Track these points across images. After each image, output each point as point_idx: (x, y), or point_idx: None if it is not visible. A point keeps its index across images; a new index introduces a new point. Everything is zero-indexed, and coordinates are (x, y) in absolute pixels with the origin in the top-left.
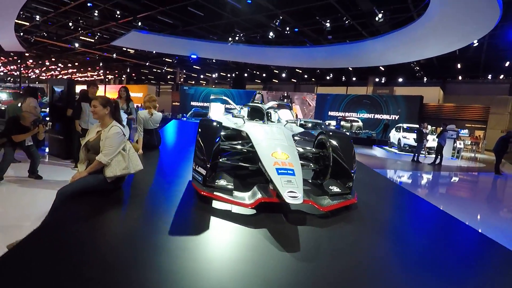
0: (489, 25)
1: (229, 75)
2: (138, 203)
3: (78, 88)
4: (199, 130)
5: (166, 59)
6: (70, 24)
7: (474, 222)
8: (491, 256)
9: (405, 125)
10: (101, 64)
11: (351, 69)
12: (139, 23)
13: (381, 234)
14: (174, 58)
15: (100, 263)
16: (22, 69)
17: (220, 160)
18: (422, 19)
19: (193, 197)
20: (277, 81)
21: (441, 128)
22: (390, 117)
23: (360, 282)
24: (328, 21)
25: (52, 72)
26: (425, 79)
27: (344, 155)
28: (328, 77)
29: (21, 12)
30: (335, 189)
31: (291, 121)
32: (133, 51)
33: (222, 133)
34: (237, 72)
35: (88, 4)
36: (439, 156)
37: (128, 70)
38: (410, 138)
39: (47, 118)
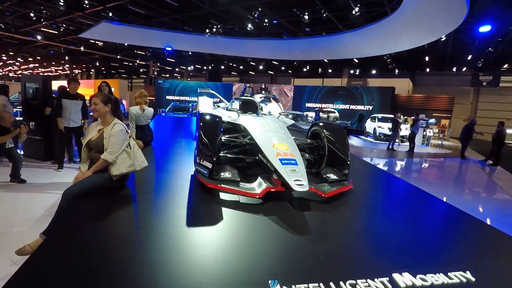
0: (458, 20)
1: (205, 67)
2: (147, 200)
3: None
4: (201, 124)
5: (138, 52)
6: (32, 14)
7: (445, 198)
8: (458, 222)
9: (379, 115)
10: (66, 58)
11: (326, 61)
12: (110, 14)
13: (375, 214)
14: (148, 51)
15: (122, 263)
16: None
17: (221, 153)
18: (397, 13)
19: (200, 190)
20: (253, 73)
21: (413, 117)
22: (364, 107)
23: (368, 257)
24: (306, 13)
25: (10, 67)
26: (396, 71)
27: (339, 145)
28: (305, 69)
29: None
30: (333, 176)
31: (283, 113)
32: (102, 43)
33: None
34: (213, 65)
35: None
36: (409, 143)
37: (97, 64)
38: (385, 128)
39: (20, 118)
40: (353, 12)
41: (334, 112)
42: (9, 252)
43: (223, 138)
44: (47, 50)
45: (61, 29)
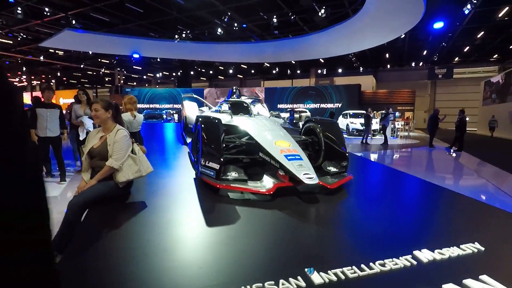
0: (416, 19)
1: (174, 74)
2: (157, 205)
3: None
4: (203, 127)
5: (103, 60)
6: None
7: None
8: (456, 202)
9: (351, 112)
10: (24, 69)
11: (294, 62)
12: (73, 21)
13: (381, 202)
14: (114, 59)
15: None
16: None
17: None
18: (360, 14)
19: (207, 191)
20: (223, 77)
21: (384, 111)
22: (334, 105)
23: (388, 239)
24: (274, 16)
25: None
26: (361, 69)
27: (335, 138)
28: (274, 71)
29: None
30: (333, 169)
31: (275, 113)
32: (63, 52)
33: None
34: (181, 71)
35: (10, 0)
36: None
37: (58, 74)
38: (357, 123)
39: None
40: (319, 14)
41: (306, 112)
42: None
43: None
44: (2, 61)
45: (18, 38)
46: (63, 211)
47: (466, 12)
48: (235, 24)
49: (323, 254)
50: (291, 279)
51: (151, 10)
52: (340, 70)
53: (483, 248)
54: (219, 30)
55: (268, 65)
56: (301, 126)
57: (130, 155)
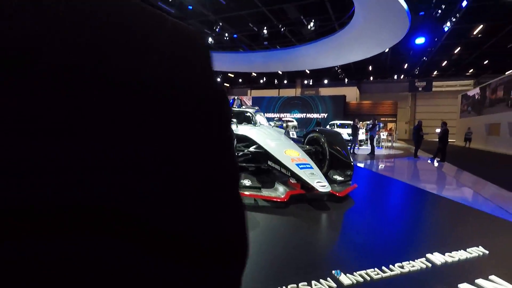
0: (400, 34)
1: None
2: None
3: None
4: None
5: None
6: None
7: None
8: (455, 210)
9: (338, 122)
10: None
11: (280, 73)
12: None
13: (388, 210)
14: None
15: None
16: None
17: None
18: (348, 28)
19: None
20: None
21: (372, 122)
22: (319, 115)
23: (403, 244)
24: (264, 28)
25: None
26: (346, 80)
27: (340, 148)
28: (261, 81)
29: None
30: (339, 178)
31: (277, 123)
32: None
33: None
34: None
35: None
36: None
37: None
38: (345, 133)
39: None
40: (308, 27)
41: (293, 121)
42: None
43: None
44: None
45: None
46: None
47: (446, 29)
48: (226, 34)
49: (346, 257)
50: (322, 280)
51: None
52: (326, 81)
53: (487, 251)
54: (210, 39)
55: (255, 74)
56: (291, 135)
57: None
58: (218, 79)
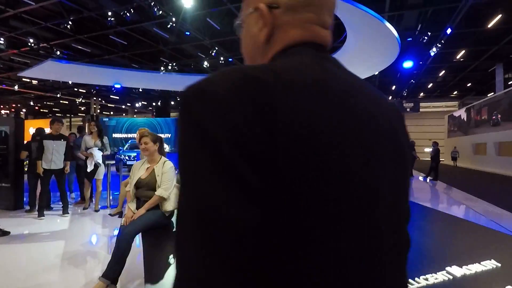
0: (391, 59)
1: (154, 103)
2: None
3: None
4: None
5: (80, 90)
6: None
7: None
8: (462, 226)
9: None
10: None
11: None
12: (58, 52)
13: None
14: (94, 88)
15: None
16: None
17: None
18: (341, 51)
19: None
20: None
21: None
22: None
23: (423, 258)
24: None
25: None
26: None
27: None
28: None
29: None
30: None
31: None
32: (37, 81)
33: None
34: (161, 101)
35: None
36: None
37: (31, 103)
38: None
39: None
40: None
41: None
42: None
43: None
44: None
45: None
46: (84, 243)
47: (432, 54)
48: (221, 58)
49: None
50: None
51: (135, 42)
52: None
53: (499, 264)
54: (206, 63)
55: None
56: None
57: (176, 185)
58: None
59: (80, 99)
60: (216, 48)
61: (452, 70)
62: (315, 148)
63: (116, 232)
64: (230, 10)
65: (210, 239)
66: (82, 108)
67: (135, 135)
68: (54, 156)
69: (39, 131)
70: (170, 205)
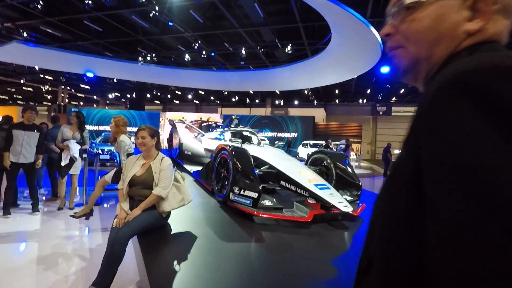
0: (372, 63)
1: (128, 95)
2: (205, 233)
3: None
4: (234, 155)
5: (47, 77)
6: None
7: None
8: None
9: (311, 142)
10: None
11: (252, 92)
12: (25, 34)
13: None
14: (62, 75)
15: None
16: None
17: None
18: (324, 53)
19: (243, 218)
20: (178, 102)
21: (345, 142)
22: (290, 134)
23: None
24: (243, 48)
25: None
26: (315, 102)
27: (346, 169)
28: (233, 99)
29: None
30: (349, 197)
31: (280, 144)
32: None
33: None
34: (135, 93)
35: None
36: None
37: None
38: None
39: None
40: (286, 50)
41: (264, 140)
42: None
43: None
44: None
45: None
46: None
47: None
48: (204, 52)
49: None
50: None
51: (111, 29)
52: (296, 102)
53: None
54: (187, 56)
55: (226, 93)
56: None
57: (174, 184)
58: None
59: (47, 86)
60: (199, 42)
61: None
62: None
63: (96, 232)
64: (214, 4)
65: None
66: (49, 97)
67: (108, 128)
68: (24, 149)
69: (7, 119)
70: (168, 206)
